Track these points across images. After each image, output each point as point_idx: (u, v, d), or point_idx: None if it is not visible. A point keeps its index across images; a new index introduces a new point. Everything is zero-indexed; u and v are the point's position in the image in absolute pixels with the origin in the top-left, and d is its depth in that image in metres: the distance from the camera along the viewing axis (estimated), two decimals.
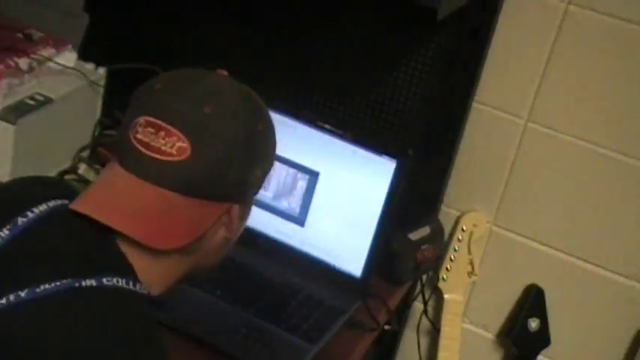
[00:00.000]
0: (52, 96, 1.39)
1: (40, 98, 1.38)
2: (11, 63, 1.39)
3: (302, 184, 1.35)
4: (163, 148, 0.86)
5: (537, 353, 1.52)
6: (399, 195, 1.31)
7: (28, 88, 1.39)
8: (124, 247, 0.87)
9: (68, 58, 1.47)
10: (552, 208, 1.43)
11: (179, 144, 0.87)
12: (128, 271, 0.86)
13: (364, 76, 1.46)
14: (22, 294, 0.80)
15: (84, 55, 1.51)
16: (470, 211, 1.48)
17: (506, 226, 1.48)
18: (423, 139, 1.42)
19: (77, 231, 0.87)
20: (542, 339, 1.50)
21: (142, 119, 0.88)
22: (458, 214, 1.50)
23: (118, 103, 1.53)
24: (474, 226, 1.49)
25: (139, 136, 0.87)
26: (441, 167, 1.44)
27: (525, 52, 1.37)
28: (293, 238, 1.37)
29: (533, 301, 1.48)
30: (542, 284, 1.48)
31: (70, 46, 1.48)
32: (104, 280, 0.82)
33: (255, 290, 1.32)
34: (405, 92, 1.43)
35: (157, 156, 0.86)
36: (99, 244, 0.86)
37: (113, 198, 0.88)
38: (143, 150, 0.87)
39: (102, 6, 1.64)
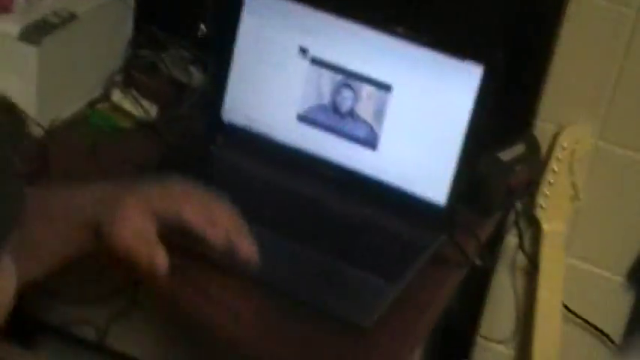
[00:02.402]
0: (77, 11, 1.38)
1: (64, 14, 1.37)
2: None
3: (372, 100, 1.32)
4: None
5: None
6: (488, 107, 1.27)
7: (49, 3, 1.38)
8: None
9: None
10: None
11: None
12: None
13: None
14: None
15: None
16: (571, 125, 1.45)
17: (616, 139, 1.45)
18: (512, 39, 1.38)
19: None
20: None
21: None
22: (556, 129, 1.46)
23: (152, 16, 1.53)
24: (577, 142, 1.45)
25: None
26: (535, 72, 1.40)
27: None
28: (364, 164, 1.35)
29: None
30: None
31: None
32: None
33: (321, 225, 1.31)
34: None
35: None
36: None
37: None
38: None
39: None
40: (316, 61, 1.34)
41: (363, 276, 1.22)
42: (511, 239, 1.53)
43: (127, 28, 1.51)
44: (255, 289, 1.19)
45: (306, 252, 1.25)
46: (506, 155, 1.37)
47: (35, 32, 1.32)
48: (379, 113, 1.32)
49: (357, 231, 1.30)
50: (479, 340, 1.62)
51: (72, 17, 1.37)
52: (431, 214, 1.31)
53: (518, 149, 1.38)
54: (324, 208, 1.34)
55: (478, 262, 1.32)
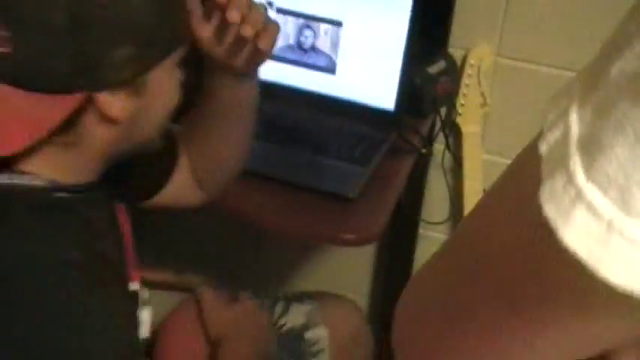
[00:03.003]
0: None
1: None
2: None
3: (328, 35, 1.71)
4: None
5: None
6: (417, 32, 1.67)
7: None
8: None
9: None
10: (555, 28, 1.79)
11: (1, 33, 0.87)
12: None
13: None
14: None
15: None
16: (475, 47, 1.85)
17: (510, 55, 1.86)
18: None
19: None
20: None
21: None
22: (465, 51, 1.86)
23: None
24: (481, 60, 1.86)
25: None
26: (446, 6, 1.80)
27: None
28: (327, 87, 1.74)
29: None
30: None
31: None
32: None
33: (300, 135, 1.69)
34: None
35: None
36: None
37: None
38: None
39: None
40: (281, 11, 1.73)
41: (342, 164, 1.60)
42: (439, 146, 1.94)
43: None
44: (263, 182, 1.56)
45: (294, 153, 1.63)
46: (433, 70, 1.77)
47: None
48: (335, 45, 1.71)
49: (330, 136, 1.68)
50: (421, 223, 2.03)
51: None
52: (384, 119, 1.71)
53: (440, 65, 1.79)
54: (299, 123, 1.72)
55: (423, 150, 1.73)
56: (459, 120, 1.90)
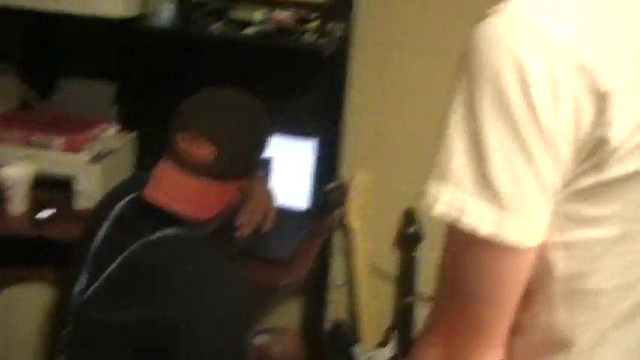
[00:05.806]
0: (112, 148, 2.81)
1: (106, 151, 2.79)
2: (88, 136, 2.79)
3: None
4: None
5: (415, 249, 3.01)
6: (321, 162, 2.79)
7: (98, 145, 2.80)
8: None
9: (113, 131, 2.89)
10: (407, 169, 2.95)
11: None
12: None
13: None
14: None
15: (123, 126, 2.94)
16: (357, 175, 2.97)
17: (375, 182, 2.97)
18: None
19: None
20: (418, 238, 2.97)
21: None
22: (351, 178, 2.96)
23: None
24: (361, 183, 2.98)
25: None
26: (336, 149, 2.95)
27: None
28: None
29: (408, 218, 2.98)
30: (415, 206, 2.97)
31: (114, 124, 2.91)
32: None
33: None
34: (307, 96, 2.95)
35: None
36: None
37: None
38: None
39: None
40: None
41: (278, 243, 2.67)
42: (337, 235, 3.04)
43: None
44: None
45: (255, 238, 2.70)
46: (331, 186, 2.88)
47: (96, 158, 2.74)
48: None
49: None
50: (329, 283, 3.11)
51: (110, 151, 2.80)
52: (301, 214, 2.81)
53: (335, 183, 2.90)
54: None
55: (326, 235, 2.82)
56: (349, 219, 3.00)
